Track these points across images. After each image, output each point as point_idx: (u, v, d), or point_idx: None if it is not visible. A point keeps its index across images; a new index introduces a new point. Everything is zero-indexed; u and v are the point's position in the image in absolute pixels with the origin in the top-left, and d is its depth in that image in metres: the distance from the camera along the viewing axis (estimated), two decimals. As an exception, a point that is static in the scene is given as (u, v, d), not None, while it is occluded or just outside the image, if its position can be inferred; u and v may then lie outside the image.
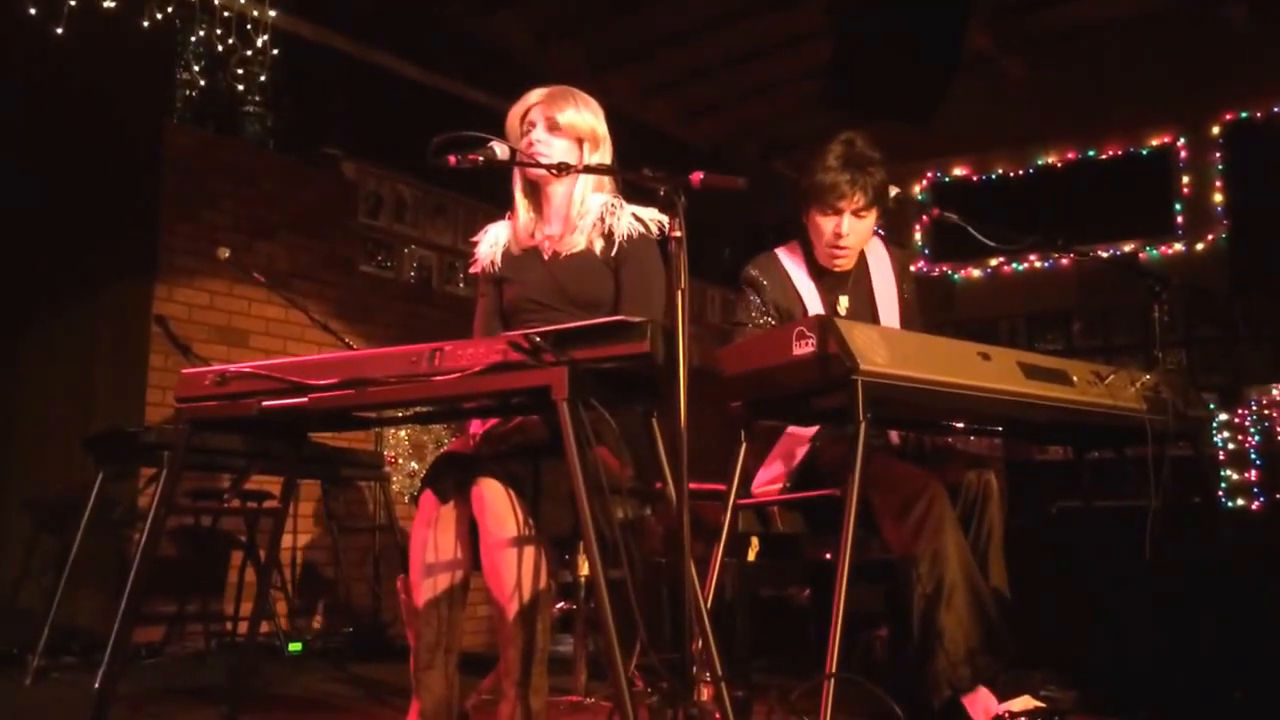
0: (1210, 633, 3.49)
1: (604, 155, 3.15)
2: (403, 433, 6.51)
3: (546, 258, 3.13)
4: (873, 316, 3.56)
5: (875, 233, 3.68)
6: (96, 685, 3.67)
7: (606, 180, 3.16)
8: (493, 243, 3.24)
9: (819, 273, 3.56)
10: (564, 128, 3.09)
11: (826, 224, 3.45)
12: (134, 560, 4.31)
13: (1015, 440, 5.94)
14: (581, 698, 3.62)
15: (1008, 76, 7.75)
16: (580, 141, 3.11)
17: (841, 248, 3.47)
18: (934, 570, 3.08)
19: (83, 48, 4.78)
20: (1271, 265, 7.13)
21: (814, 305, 3.48)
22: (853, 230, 3.44)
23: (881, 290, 3.62)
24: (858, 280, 3.60)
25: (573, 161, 3.03)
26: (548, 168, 2.95)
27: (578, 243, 3.08)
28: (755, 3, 6.72)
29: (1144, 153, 8.00)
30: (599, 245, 3.07)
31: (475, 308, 3.30)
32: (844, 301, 3.54)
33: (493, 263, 3.21)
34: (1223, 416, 6.28)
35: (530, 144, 3.07)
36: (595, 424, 2.42)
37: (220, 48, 5.13)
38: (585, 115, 3.12)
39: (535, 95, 3.14)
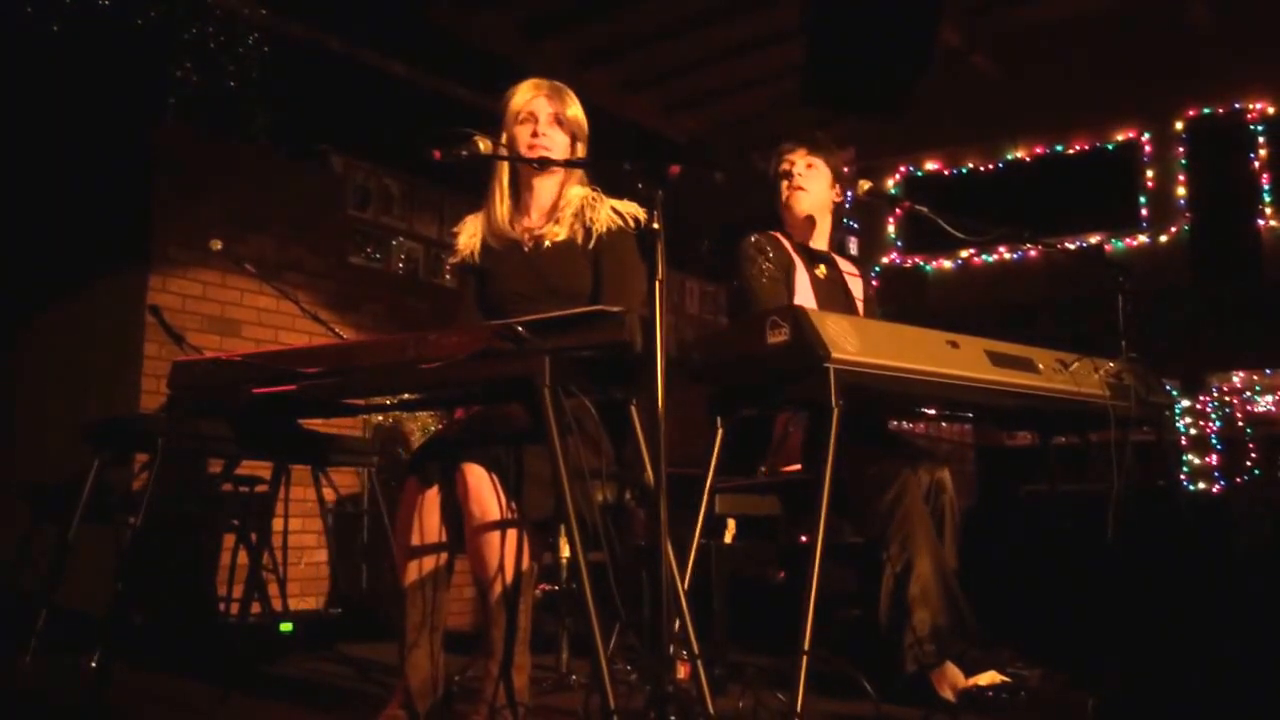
0: (1171, 610, 3.57)
1: (583, 149, 3.19)
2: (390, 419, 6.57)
3: (527, 249, 3.15)
4: (844, 286, 3.82)
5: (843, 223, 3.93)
6: (93, 665, 3.75)
7: (583, 173, 3.20)
8: (471, 234, 3.26)
9: (799, 250, 3.77)
10: (567, 122, 3.13)
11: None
12: (129, 544, 4.38)
13: (985, 426, 6.06)
14: (563, 675, 3.72)
15: (978, 74, 7.82)
16: (574, 136, 3.16)
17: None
18: (904, 553, 3.19)
19: (78, 44, 4.84)
20: (1231, 256, 7.24)
21: (804, 275, 3.70)
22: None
23: (847, 272, 3.91)
24: (828, 259, 3.86)
25: (564, 155, 3.10)
26: (530, 162, 3.00)
27: (558, 234, 3.11)
28: (734, 2, 6.82)
29: (1110, 148, 8.09)
30: (578, 237, 3.10)
31: (458, 298, 3.33)
32: (822, 269, 3.80)
33: (472, 254, 3.23)
34: (1185, 403, 6.39)
35: (534, 134, 3.09)
36: (575, 411, 2.48)
37: (212, 45, 5.20)
38: (580, 112, 3.17)
39: (536, 88, 3.15)
